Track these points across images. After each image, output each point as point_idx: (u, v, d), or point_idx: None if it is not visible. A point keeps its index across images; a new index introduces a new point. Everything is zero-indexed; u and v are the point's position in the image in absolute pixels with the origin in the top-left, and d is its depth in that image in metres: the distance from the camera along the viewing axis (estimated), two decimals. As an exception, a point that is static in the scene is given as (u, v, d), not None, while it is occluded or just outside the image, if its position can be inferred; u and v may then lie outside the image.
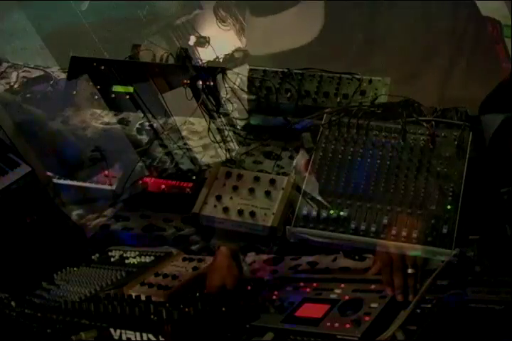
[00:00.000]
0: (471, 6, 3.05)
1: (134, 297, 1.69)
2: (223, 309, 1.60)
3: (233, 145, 2.46)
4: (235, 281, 1.90)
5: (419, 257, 1.73)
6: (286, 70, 2.38)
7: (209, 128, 2.51)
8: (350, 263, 2.01)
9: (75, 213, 2.58)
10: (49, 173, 2.63)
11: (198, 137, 2.59)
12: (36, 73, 3.30)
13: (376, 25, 3.00)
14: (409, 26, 2.99)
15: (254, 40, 3.30)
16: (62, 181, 2.65)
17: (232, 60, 3.56)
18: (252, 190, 1.98)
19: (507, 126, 1.98)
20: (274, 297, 1.82)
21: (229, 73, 2.42)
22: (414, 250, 1.73)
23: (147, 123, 2.62)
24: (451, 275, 1.65)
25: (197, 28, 3.87)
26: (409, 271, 1.71)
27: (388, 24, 2.99)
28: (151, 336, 1.45)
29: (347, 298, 1.70)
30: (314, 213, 1.84)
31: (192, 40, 3.70)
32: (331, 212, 1.84)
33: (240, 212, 1.95)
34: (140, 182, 2.45)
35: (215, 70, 2.40)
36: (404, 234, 1.75)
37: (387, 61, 2.86)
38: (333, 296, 1.73)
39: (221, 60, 3.47)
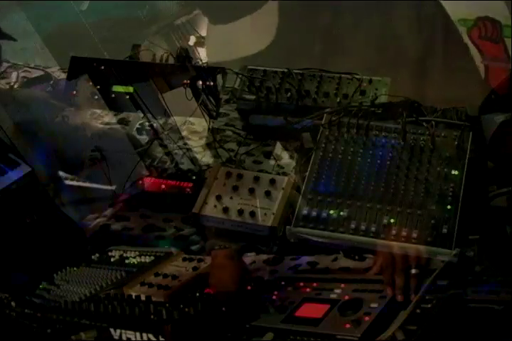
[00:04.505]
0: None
1: (134, 297, 1.68)
2: (223, 309, 1.60)
3: (233, 145, 2.46)
4: (239, 280, 1.89)
5: (422, 257, 1.73)
6: (286, 70, 2.38)
7: (209, 128, 2.51)
8: (350, 263, 2.01)
9: (75, 213, 2.57)
10: (49, 173, 2.63)
11: (198, 137, 2.59)
12: (36, 73, 3.28)
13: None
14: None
15: (214, 46, 3.37)
16: (62, 181, 2.65)
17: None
18: (252, 190, 1.98)
19: (507, 126, 1.99)
20: (274, 297, 1.82)
21: (229, 73, 2.43)
22: (414, 250, 1.73)
23: (147, 123, 2.62)
24: (451, 275, 1.65)
25: (197, 28, 3.87)
26: (413, 271, 1.70)
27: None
28: (151, 336, 1.44)
29: (347, 298, 1.70)
30: (314, 213, 1.84)
31: (192, 40, 3.70)
32: (331, 212, 1.84)
33: (240, 212, 1.95)
34: (140, 182, 2.44)
35: (215, 70, 2.41)
36: (404, 234, 1.75)
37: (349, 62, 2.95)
38: (333, 296, 1.73)
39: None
